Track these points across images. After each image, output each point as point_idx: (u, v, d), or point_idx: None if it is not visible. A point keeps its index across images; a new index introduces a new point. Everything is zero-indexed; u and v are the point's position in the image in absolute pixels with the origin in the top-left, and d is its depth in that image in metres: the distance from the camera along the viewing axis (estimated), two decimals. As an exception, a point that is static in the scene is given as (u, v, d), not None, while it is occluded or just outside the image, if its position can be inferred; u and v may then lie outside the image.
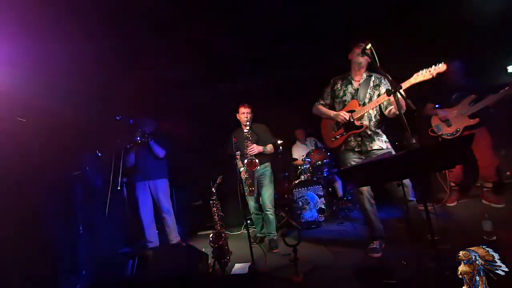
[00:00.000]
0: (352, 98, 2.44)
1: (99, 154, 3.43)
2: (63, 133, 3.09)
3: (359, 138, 2.41)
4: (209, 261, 2.51)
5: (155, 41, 3.34)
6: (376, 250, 2.31)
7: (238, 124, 3.27)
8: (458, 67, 2.97)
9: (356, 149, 2.42)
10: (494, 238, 2.07)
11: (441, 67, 1.93)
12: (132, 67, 3.69)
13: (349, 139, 2.45)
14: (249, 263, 2.39)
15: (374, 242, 2.39)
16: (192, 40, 3.41)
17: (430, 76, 1.96)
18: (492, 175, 2.98)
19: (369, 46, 2.25)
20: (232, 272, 2.42)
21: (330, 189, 4.18)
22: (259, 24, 3.37)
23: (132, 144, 3.21)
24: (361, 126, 2.36)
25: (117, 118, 3.17)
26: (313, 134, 4.72)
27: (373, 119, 2.41)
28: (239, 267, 2.48)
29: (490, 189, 2.97)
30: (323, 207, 3.59)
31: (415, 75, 2.02)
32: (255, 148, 3.02)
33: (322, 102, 2.64)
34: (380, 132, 2.44)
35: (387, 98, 2.14)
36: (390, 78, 1.99)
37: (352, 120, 2.38)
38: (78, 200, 3.18)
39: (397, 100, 1.85)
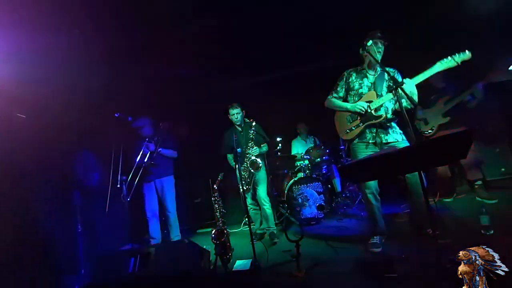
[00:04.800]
0: (369, 90, 2.44)
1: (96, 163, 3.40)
2: (62, 130, 3.06)
3: (374, 130, 2.39)
4: (211, 258, 2.53)
5: (156, 38, 3.32)
6: (376, 245, 2.34)
7: (231, 122, 3.34)
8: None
9: (371, 141, 2.40)
10: (492, 232, 2.12)
11: (467, 55, 1.96)
12: (131, 64, 3.67)
13: (364, 131, 2.43)
14: (251, 259, 2.41)
15: (375, 237, 2.42)
16: (193, 36, 3.40)
17: (455, 64, 1.99)
18: (477, 173, 3.10)
19: (370, 43, 2.28)
20: (234, 269, 2.44)
21: (329, 185, 4.21)
22: (260, 19, 3.38)
23: (142, 157, 3.19)
24: (380, 116, 2.34)
25: (116, 115, 3.15)
26: (313, 133, 4.74)
27: (389, 111, 2.40)
28: (241, 264, 2.49)
29: (480, 186, 3.06)
30: (322, 203, 3.62)
31: (438, 63, 2.05)
32: (256, 150, 3.13)
33: (335, 95, 2.60)
34: (395, 125, 2.43)
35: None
36: (391, 75, 2.02)
37: (370, 110, 2.37)
38: (77, 199, 3.16)
39: (398, 96, 1.88)
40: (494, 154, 3.71)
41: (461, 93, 3.01)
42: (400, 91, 1.94)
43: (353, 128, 2.46)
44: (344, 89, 2.57)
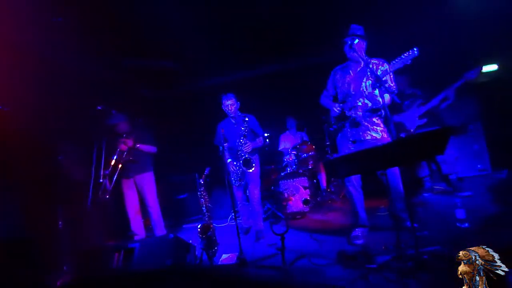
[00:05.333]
0: (348, 87, 2.50)
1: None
2: (41, 124, 2.95)
3: (354, 128, 2.47)
4: (197, 253, 2.52)
5: (132, 29, 3.25)
6: (358, 237, 2.42)
7: (225, 114, 3.20)
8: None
9: (351, 139, 2.48)
10: (467, 224, 2.23)
11: (413, 52, 1.99)
12: (110, 56, 3.58)
13: (345, 129, 2.52)
14: (237, 253, 2.43)
15: (357, 229, 2.49)
16: (175, 29, 3.35)
17: (405, 63, 2.03)
18: (453, 169, 3.27)
19: (356, 41, 2.32)
20: (220, 262, 2.45)
21: (314, 181, 4.28)
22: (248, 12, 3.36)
23: (120, 154, 3.12)
24: (353, 115, 2.44)
25: (99, 108, 3.07)
26: (301, 128, 4.78)
27: (369, 108, 2.43)
28: (226, 257, 2.51)
29: (456, 180, 3.25)
30: (308, 198, 3.68)
31: (392, 64, 2.12)
32: (250, 147, 2.97)
33: (326, 93, 2.73)
34: (377, 121, 2.46)
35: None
36: (377, 74, 2.06)
37: (344, 110, 2.47)
38: (58, 194, 3.07)
39: (380, 94, 1.93)
40: (471, 152, 3.90)
41: (435, 96, 3.16)
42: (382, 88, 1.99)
43: (335, 126, 2.60)
44: (333, 87, 2.66)
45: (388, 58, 2.26)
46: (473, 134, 3.91)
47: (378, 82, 1.94)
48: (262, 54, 4.39)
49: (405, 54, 2.01)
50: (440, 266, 1.67)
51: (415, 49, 1.97)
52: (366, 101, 2.43)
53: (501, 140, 3.76)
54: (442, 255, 1.77)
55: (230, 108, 3.06)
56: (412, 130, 3.33)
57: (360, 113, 2.42)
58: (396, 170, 2.38)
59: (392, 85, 2.37)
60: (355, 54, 2.31)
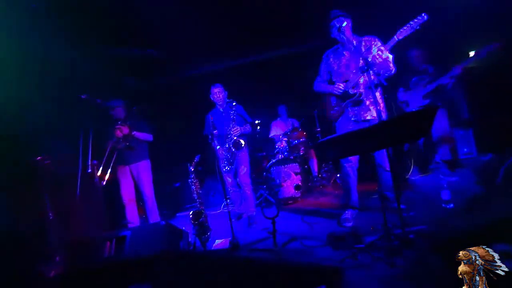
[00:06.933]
0: (346, 68, 2.47)
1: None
2: (26, 115, 2.86)
3: (356, 108, 2.46)
4: (190, 239, 2.54)
5: (126, 18, 3.14)
6: (348, 220, 2.47)
7: (213, 102, 3.29)
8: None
9: (353, 119, 2.47)
10: (452, 205, 2.30)
11: (422, 18, 2.00)
12: (99, 44, 3.46)
13: (346, 110, 2.50)
14: (229, 238, 2.46)
15: (347, 211, 2.55)
16: (165, 15, 3.25)
17: (413, 30, 2.04)
18: (448, 152, 3.30)
19: (344, 24, 2.29)
20: (213, 248, 2.48)
21: (305, 166, 4.33)
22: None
23: (116, 141, 3.06)
24: (356, 94, 2.40)
25: (83, 97, 2.97)
26: (292, 116, 4.78)
27: (372, 86, 2.41)
28: (219, 243, 2.54)
29: (446, 164, 3.30)
30: (299, 184, 3.72)
31: (399, 32, 2.10)
32: (238, 130, 3.07)
33: (320, 79, 2.68)
34: (378, 100, 2.39)
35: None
36: (366, 58, 2.04)
37: (346, 89, 2.42)
38: (46, 186, 3.02)
39: (369, 76, 1.93)
40: (462, 135, 3.97)
41: (441, 76, 3.10)
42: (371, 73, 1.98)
43: (336, 108, 2.55)
44: (327, 72, 2.62)
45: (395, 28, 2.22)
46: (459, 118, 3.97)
47: (367, 66, 1.93)
48: (253, 41, 4.31)
49: (414, 20, 2.01)
50: (425, 245, 1.73)
51: (423, 14, 1.96)
52: (366, 77, 2.40)
53: (486, 125, 3.83)
54: (427, 234, 1.83)
55: (218, 96, 3.18)
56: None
57: (362, 91, 2.40)
58: (383, 151, 2.41)
59: (389, 62, 2.31)
60: (345, 36, 2.29)
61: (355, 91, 2.41)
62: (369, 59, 2.37)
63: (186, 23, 3.56)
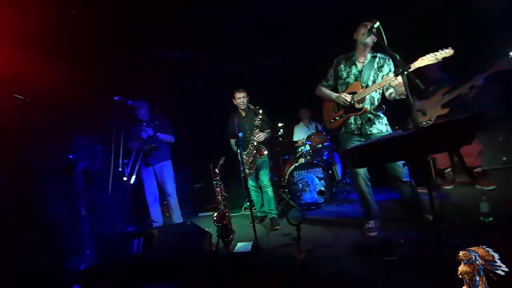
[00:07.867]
0: (355, 79, 2.41)
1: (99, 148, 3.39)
2: (62, 113, 3.04)
3: (360, 122, 2.40)
4: (213, 240, 2.57)
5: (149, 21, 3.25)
6: (372, 229, 2.37)
7: (235, 106, 3.35)
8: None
9: (356, 132, 2.42)
10: (491, 219, 2.14)
11: (448, 51, 1.89)
12: (127, 47, 3.60)
13: (349, 122, 2.44)
14: (252, 242, 2.45)
15: (370, 221, 2.45)
16: (189, 18, 3.33)
17: (436, 61, 1.93)
18: (476, 161, 3.10)
19: (377, 24, 2.21)
20: (235, 251, 2.49)
21: (330, 171, 4.23)
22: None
23: (140, 143, 3.18)
24: (361, 109, 2.35)
25: (116, 98, 3.11)
26: (315, 119, 4.71)
27: (375, 102, 2.39)
28: (242, 245, 2.54)
29: (479, 173, 3.08)
30: (322, 189, 3.65)
31: (420, 59, 1.98)
32: (262, 136, 3.13)
33: (324, 83, 2.61)
34: (381, 115, 2.43)
35: (392, 79, 2.12)
36: (398, 57, 1.96)
37: (353, 102, 2.36)
38: (79, 182, 3.18)
39: (405, 81, 1.84)
40: (495, 143, 3.70)
41: (461, 85, 2.95)
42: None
43: (337, 118, 2.50)
44: (333, 78, 2.56)
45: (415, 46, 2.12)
46: (498, 126, 3.70)
47: (403, 69, 1.83)
48: (277, 44, 4.31)
49: (439, 52, 1.88)
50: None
51: (450, 47, 1.85)
52: (374, 94, 2.36)
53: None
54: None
55: (242, 101, 3.24)
56: (425, 122, 3.16)
57: (367, 106, 2.36)
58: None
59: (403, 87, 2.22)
60: (370, 39, 2.23)
61: (361, 105, 2.35)
62: (381, 78, 2.34)
63: (213, 24, 3.61)
